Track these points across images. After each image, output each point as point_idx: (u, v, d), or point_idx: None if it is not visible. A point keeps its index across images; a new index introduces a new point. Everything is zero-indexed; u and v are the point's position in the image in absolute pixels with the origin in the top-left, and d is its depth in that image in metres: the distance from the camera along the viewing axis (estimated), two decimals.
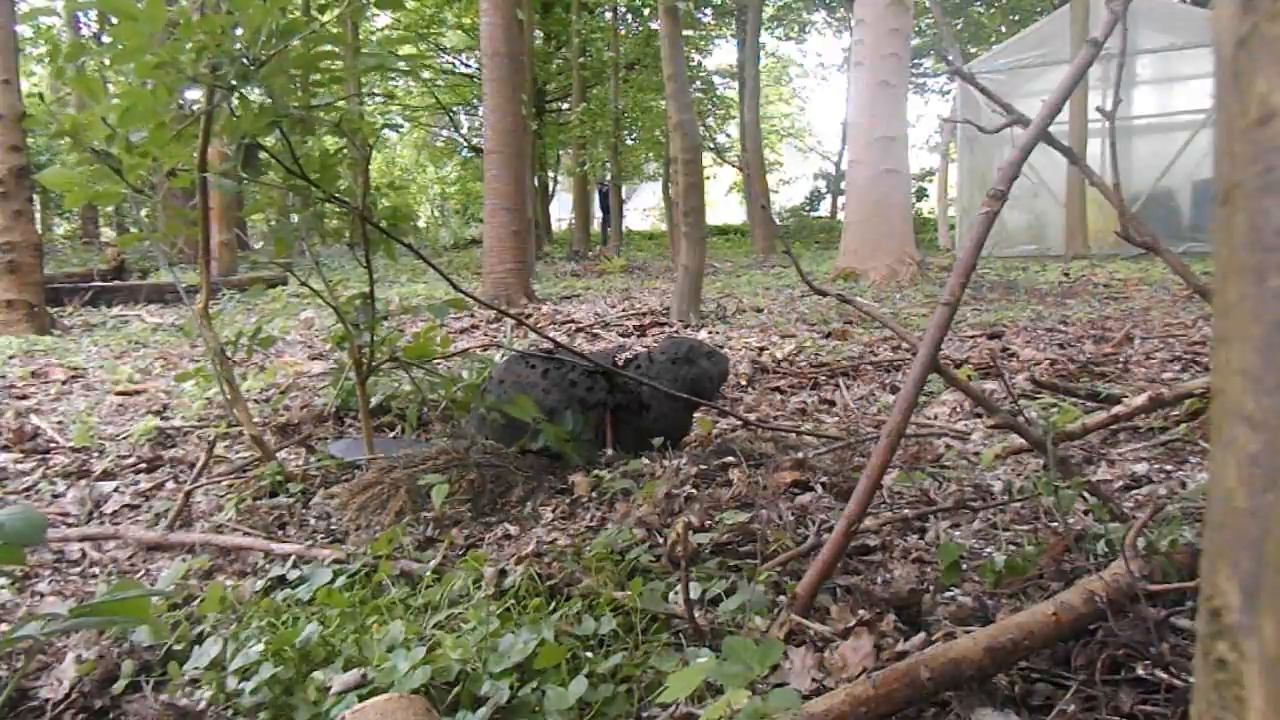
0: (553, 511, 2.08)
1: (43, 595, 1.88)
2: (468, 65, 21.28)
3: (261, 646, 1.38)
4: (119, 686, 1.45)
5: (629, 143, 20.01)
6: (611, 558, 1.66)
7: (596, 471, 2.23)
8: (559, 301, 7.52)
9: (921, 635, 1.33)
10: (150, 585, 1.83)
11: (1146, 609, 1.26)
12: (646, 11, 18.27)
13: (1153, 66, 11.41)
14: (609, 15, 18.13)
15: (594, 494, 2.13)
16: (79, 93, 2.33)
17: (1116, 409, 2.47)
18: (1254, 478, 0.46)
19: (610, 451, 2.44)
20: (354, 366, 2.50)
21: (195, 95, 2.29)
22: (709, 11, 20.51)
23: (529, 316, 6.29)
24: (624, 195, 22.57)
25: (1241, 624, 0.46)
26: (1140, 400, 2.43)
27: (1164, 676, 1.15)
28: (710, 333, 5.25)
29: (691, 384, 2.53)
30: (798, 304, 6.64)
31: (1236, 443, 0.47)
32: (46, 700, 1.42)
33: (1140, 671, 1.18)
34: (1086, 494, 1.80)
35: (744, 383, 3.66)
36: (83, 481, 2.61)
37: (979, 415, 2.92)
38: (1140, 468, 2.25)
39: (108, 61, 2.35)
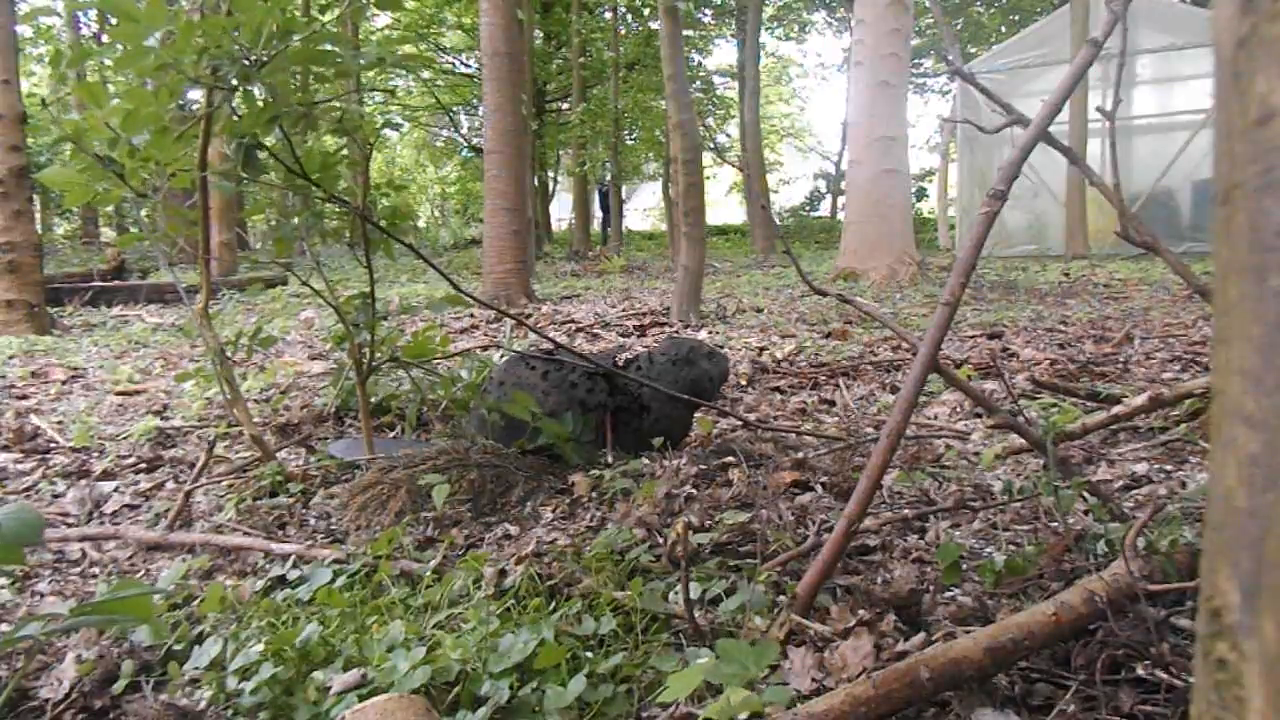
0: (553, 511, 2.08)
1: (43, 595, 1.88)
2: (468, 65, 21.29)
3: (261, 646, 1.38)
4: (119, 686, 1.45)
5: (629, 143, 20.01)
6: (611, 558, 1.66)
7: (596, 471, 2.23)
8: (559, 301, 7.52)
9: (921, 635, 1.33)
10: (150, 585, 1.83)
11: (1146, 609, 1.26)
12: (646, 11, 18.26)
13: (1153, 66, 11.41)
14: (609, 15, 18.13)
15: (594, 494, 2.13)
16: (81, 97, 2.34)
17: (1116, 409, 2.47)
18: (1254, 478, 0.46)
19: (610, 456, 2.44)
20: (354, 366, 2.50)
21: (196, 96, 2.29)
22: (709, 11, 20.51)
23: (529, 316, 6.29)
24: (624, 195, 22.57)
25: (1241, 624, 0.46)
26: (1140, 400, 2.43)
27: (1164, 676, 1.15)
28: (710, 333, 5.25)
29: (692, 385, 2.53)
30: (798, 304, 6.64)
31: (1236, 443, 0.47)
32: (46, 700, 1.42)
33: (1140, 671, 1.18)
34: (1086, 494, 1.80)
35: (744, 383, 3.66)
36: (83, 481, 2.61)
37: (979, 415, 2.92)
38: (1140, 468, 2.25)
39: (109, 62, 2.35)
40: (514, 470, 2.24)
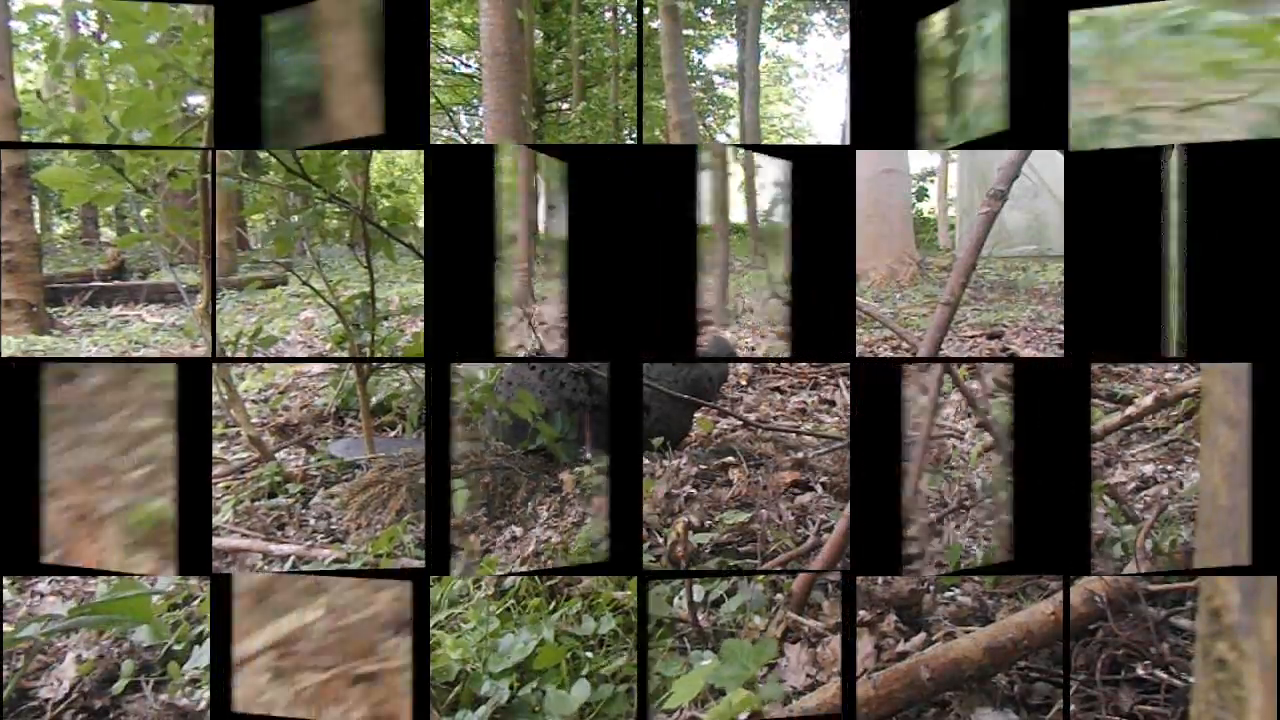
0: (547, 510, 2.09)
1: (43, 595, 1.88)
2: (468, 65, 21.29)
3: None
4: (119, 686, 1.45)
5: (629, 143, 19.99)
6: (591, 552, 1.66)
7: (579, 469, 2.23)
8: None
9: (921, 635, 1.33)
10: (150, 585, 1.83)
11: (1146, 609, 1.26)
12: (646, 11, 18.27)
13: None
14: (609, 15, 18.13)
15: (578, 490, 2.14)
16: (79, 94, 2.33)
17: (1129, 410, 2.46)
18: (1234, 475, 0.46)
19: (589, 453, 2.44)
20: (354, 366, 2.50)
21: (198, 100, 2.29)
22: (709, 11, 20.50)
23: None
24: None
25: (1241, 624, 0.46)
26: (1148, 401, 2.43)
27: (1164, 676, 1.16)
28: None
29: (692, 384, 2.53)
30: None
31: (1219, 442, 0.47)
32: (46, 700, 1.42)
33: (1140, 671, 1.18)
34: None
35: (744, 383, 3.66)
36: None
37: None
38: (1148, 469, 2.25)
39: (108, 60, 2.35)
40: (519, 471, 2.24)
